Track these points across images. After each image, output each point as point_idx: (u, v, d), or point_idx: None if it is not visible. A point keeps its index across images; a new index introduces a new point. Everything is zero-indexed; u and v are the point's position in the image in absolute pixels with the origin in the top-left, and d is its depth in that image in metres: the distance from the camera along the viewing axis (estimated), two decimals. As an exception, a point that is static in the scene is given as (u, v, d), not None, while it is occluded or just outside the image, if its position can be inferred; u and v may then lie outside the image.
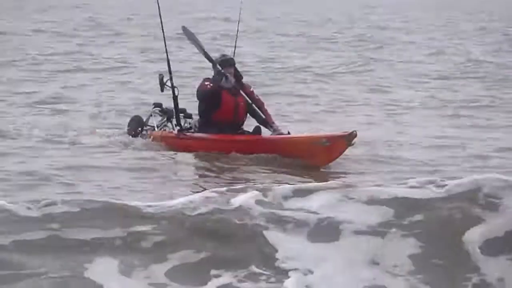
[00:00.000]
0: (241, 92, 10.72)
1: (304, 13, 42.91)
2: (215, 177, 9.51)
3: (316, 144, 10.06)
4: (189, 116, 11.36)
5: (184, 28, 11.34)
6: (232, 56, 11.02)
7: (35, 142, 11.33)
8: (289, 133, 10.62)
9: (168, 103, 11.53)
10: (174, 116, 11.28)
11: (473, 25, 36.10)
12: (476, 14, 42.74)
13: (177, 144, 10.91)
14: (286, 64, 21.74)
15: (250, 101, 10.76)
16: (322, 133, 10.50)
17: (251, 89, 10.84)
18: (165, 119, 11.57)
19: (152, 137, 11.31)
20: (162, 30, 11.60)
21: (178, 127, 11.14)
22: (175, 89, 11.20)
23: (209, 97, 10.55)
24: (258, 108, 10.73)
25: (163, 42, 11.49)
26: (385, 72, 20.53)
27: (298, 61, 22.21)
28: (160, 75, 11.33)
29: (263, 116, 10.70)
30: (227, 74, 10.59)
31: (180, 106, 11.46)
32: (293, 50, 25.15)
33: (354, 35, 30.63)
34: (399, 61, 22.86)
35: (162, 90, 11.32)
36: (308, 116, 14.38)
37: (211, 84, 10.59)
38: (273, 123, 10.67)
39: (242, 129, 10.81)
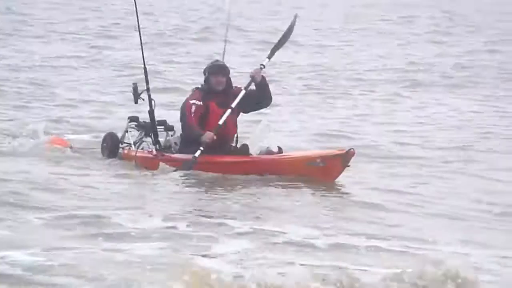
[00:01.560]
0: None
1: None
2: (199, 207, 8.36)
3: (310, 165, 9.14)
4: (170, 128, 10.33)
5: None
6: (222, 62, 9.80)
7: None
8: (280, 149, 9.57)
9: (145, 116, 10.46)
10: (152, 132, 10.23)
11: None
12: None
13: (155, 166, 9.79)
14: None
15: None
16: (316, 151, 9.43)
17: (241, 88, 9.70)
18: (143, 134, 10.48)
19: (127, 157, 10.24)
20: (139, 32, 10.48)
21: (157, 146, 10.07)
22: (152, 101, 10.16)
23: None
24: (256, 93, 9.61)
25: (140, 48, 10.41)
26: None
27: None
28: (134, 84, 10.31)
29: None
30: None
31: (160, 117, 10.46)
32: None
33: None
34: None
35: (136, 102, 10.31)
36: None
37: (199, 103, 9.50)
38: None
39: (231, 146, 9.74)
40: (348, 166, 9.05)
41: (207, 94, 9.56)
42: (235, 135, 9.75)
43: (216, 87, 9.53)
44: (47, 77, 17.62)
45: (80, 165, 10.11)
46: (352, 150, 9.01)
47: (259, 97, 9.61)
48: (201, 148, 9.33)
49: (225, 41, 10.35)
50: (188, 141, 9.64)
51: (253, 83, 9.56)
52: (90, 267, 5.61)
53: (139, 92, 10.22)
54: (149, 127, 10.33)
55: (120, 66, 19.58)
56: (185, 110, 9.56)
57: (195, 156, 9.35)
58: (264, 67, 9.61)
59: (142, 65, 10.37)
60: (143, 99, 10.24)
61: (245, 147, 9.64)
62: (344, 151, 9.01)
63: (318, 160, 9.11)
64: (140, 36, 10.48)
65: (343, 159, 8.99)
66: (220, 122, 9.42)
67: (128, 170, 9.89)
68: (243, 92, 9.49)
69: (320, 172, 9.10)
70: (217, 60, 9.89)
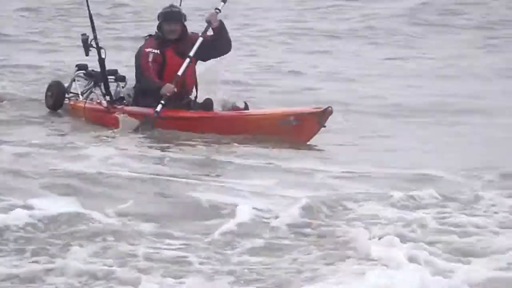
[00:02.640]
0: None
1: None
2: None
3: (282, 123, 8.22)
4: (122, 79, 9.44)
5: None
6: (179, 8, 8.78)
7: None
8: (246, 105, 8.58)
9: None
10: (102, 82, 9.23)
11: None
12: None
13: (105, 119, 8.86)
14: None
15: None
16: (289, 109, 8.48)
17: (198, 35, 8.72)
18: (92, 84, 9.58)
19: (74, 108, 9.30)
20: None
21: (107, 97, 9.04)
22: (102, 50, 9.22)
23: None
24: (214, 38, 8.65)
25: None
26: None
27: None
28: (83, 35, 9.34)
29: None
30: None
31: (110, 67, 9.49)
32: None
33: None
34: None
35: (87, 54, 9.35)
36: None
37: (156, 51, 8.53)
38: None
39: (189, 98, 8.75)
40: (324, 126, 8.12)
41: (162, 42, 8.57)
42: (194, 86, 8.80)
43: (168, 36, 8.57)
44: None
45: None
46: (330, 108, 8.05)
47: (217, 42, 8.62)
48: (162, 102, 8.39)
49: None
50: (143, 93, 8.69)
51: (210, 28, 8.53)
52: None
53: (89, 42, 9.25)
54: (99, 77, 9.43)
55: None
56: (140, 59, 8.60)
57: (157, 111, 8.39)
58: (220, 11, 8.64)
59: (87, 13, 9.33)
60: (94, 47, 9.23)
61: (208, 102, 8.64)
62: (321, 109, 8.04)
63: (292, 118, 8.14)
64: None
65: (319, 118, 8.03)
66: (179, 72, 8.45)
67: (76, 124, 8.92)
68: (200, 40, 8.53)
69: (293, 131, 8.16)
70: (171, 5, 8.82)
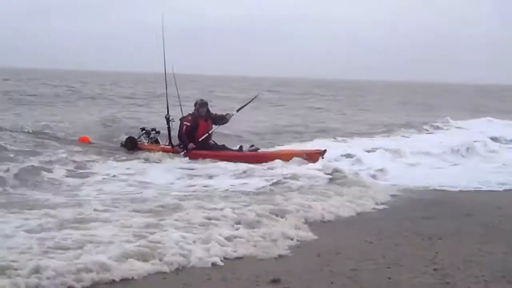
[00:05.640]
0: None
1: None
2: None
3: (299, 157, 13.65)
4: (158, 132, 15.23)
5: None
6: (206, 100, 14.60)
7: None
8: (241, 148, 14.24)
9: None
10: (168, 138, 14.80)
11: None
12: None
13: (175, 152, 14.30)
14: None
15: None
16: (303, 149, 14.26)
17: (215, 113, 14.59)
18: (146, 136, 15.32)
19: (151, 149, 14.63)
20: (166, 81, 14.85)
21: (170, 144, 14.60)
22: (170, 121, 14.82)
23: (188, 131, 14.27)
24: (220, 118, 14.59)
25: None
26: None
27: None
28: (166, 115, 14.92)
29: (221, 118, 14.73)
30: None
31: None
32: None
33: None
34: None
35: (168, 124, 14.79)
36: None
37: (189, 124, 14.35)
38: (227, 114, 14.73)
39: (223, 144, 14.36)
40: (323, 158, 13.66)
41: (197, 116, 14.23)
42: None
43: (201, 113, 14.31)
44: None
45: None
46: (325, 149, 13.69)
47: (222, 122, 14.51)
48: (186, 150, 14.43)
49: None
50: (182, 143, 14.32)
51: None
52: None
53: (168, 118, 14.86)
54: (149, 132, 15.35)
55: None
56: (180, 127, 14.32)
57: (184, 152, 14.42)
58: (233, 115, 14.46)
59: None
60: (168, 120, 14.84)
61: (240, 148, 14.12)
62: (322, 150, 13.69)
63: (304, 155, 13.63)
64: (166, 81, 14.83)
65: (321, 154, 13.64)
66: (205, 134, 14.31)
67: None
68: (215, 127, 14.40)
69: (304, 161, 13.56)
70: (201, 99, 14.73)
